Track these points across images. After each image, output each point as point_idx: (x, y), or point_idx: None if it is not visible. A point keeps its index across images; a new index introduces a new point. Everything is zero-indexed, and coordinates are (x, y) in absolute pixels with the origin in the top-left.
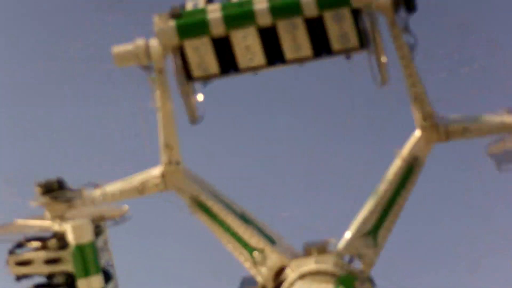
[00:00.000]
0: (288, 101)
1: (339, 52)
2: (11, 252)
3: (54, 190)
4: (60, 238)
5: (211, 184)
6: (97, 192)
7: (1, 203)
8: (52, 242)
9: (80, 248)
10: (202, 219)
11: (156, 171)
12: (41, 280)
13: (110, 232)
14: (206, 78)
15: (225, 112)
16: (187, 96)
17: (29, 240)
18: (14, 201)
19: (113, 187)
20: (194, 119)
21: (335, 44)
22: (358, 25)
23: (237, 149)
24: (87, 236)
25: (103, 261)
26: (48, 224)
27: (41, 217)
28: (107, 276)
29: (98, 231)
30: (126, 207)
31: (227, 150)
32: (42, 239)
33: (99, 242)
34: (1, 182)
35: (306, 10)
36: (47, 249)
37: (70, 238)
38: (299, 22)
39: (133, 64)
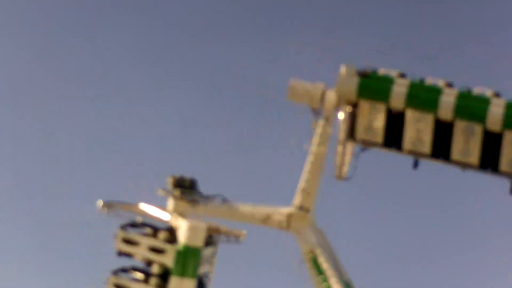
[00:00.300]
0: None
1: (504, 174)
2: (123, 228)
3: (185, 187)
4: (172, 233)
5: (330, 243)
6: (223, 206)
7: (132, 190)
8: (164, 234)
9: (187, 249)
10: (309, 270)
11: (284, 210)
12: (139, 264)
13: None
14: (367, 144)
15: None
16: (343, 152)
17: (144, 224)
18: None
19: (239, 207)
20: (340, 176)
21: (504, 166)
22: None
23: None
24: (198, 240)
25: (202, 271)
26: (166, 216)
27: (163, 208)
28: (201, 286)
29: (209, 241)
30: (244, 231)
31: (365, 218)
32: (155, 228)
33: (207, 252)
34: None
35: (490, 123)
36: (156, 238)
37: (182, 236)
38: (478, 130)
39: (304, 103)
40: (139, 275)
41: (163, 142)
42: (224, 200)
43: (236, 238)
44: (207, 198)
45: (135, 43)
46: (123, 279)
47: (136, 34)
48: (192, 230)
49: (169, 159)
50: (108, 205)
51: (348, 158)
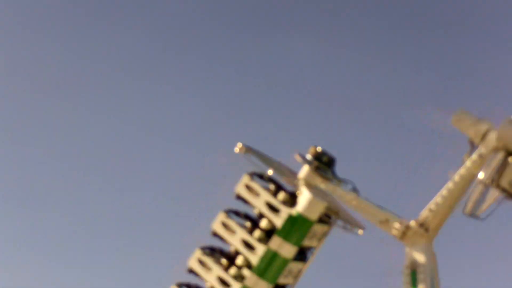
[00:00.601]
0: None
1: None
2: (250, 175)
3: (322, 162)
4: (293, 197)
5: (437, 270)
6: (350, 194)
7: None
8: (284, 195)
9: (299, 217)
10: (404, 285)
11: (405, 221)
12: (252, 214)
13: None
14: (507, 194)
15: None
16: (482, 192)
17: (270, 179)
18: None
19: (364, 201)
20: (471, 213)
21: None
22: None
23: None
24: (314, 214)
25: (307, 244)
26: (295, 182)
27: (294, 172)
28: (302, 256)
29: (325, 219)
30: (364, 227)
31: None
32: (279, 187)
33: (318, 228)
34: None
35: None
36: (276, 196)
37: (300, 204)
38: None
39: (464, 133)
40: (247, 223)
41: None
42: (354, 189)
43: (353, 228)
44: (339, 181)
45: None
46: (231, 221)
47: None
48: (311, 202)
49: (319, 134)
50: (246, 149)
51: (489, 200)
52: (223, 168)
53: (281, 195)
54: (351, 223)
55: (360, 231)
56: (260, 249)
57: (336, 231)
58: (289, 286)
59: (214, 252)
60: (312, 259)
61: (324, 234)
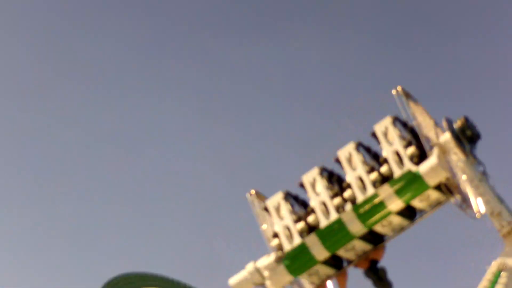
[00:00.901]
0: None
1: None
2: (393, 119)
3: (465, 135)
4: (422, 155)
5: None
6: (476, 175)
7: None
8: (414, 150)
9: (417, 177)
10: (485, 280)
11: None
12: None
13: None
14: None
15: None
16: None
17: (412, 131)
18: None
19: (488, 187)
20: None
21: None
22: None
23: None
24: (433, 181)
25: (418, 204)
26: (432, 143)
27: (437, 134)
28: (411, 214)
29: (443, 189)
30: (481, 212)
31: None
32: (415, 141)
33: (432, 195)
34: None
35: None
36: (406, 148)
37: (424, 165)
38: None
39: None
40: (371, 162)
41: None
42: (484, 173)
43: (469, 209)
44: (474, 159)
45: None
46: (358, 154)
47: None
48: (434, 167)
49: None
50: (405, 93)
51: None
52: (375, 105)
53: (411, 149)
54: (468, 204)
55: (478, 215)
56: (370, 191)
57: (451, 206)
58: (387, 237)
59: (330, 177)
60: (419, 221)
61: (438, 202)
